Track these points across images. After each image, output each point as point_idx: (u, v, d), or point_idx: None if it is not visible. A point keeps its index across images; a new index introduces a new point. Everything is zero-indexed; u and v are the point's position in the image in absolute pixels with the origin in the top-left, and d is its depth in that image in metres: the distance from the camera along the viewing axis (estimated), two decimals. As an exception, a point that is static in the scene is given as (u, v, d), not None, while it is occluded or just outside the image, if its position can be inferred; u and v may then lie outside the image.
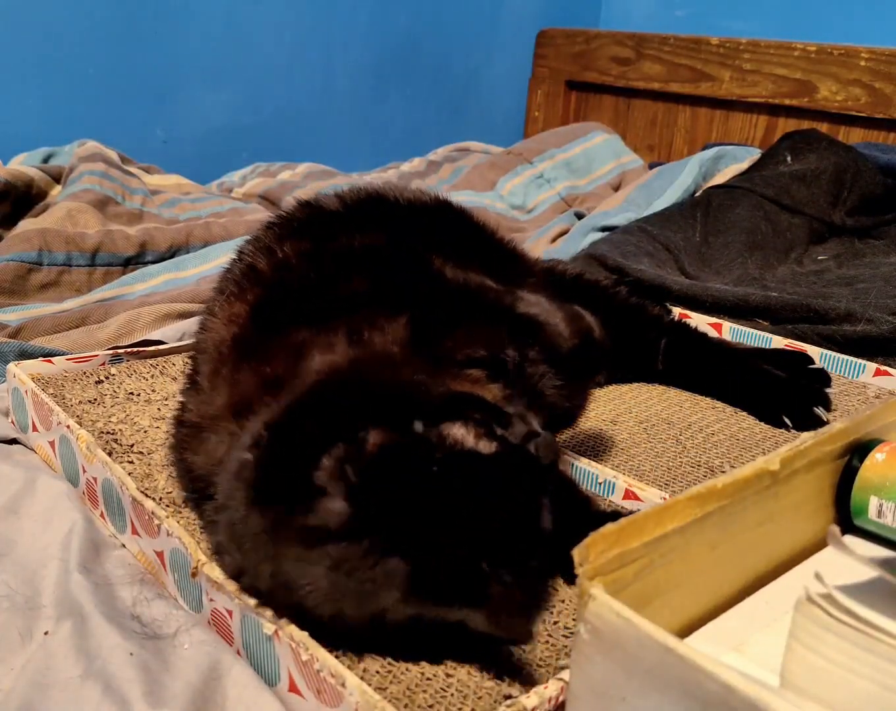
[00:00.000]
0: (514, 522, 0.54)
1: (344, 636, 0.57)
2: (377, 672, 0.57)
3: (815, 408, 0.98)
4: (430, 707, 0.55)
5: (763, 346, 1.21)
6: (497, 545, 0.53)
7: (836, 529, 0.49)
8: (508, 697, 0.56)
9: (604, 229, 1.74)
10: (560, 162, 2.30)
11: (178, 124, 2.11)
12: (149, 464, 0.81)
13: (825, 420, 0.98)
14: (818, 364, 1.13)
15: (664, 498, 0.77)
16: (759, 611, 0.58)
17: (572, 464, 0.85)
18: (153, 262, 1.53)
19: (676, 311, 1.25)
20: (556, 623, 0.64)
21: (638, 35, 2.58)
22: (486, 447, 0.55)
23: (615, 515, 0.70)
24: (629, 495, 0.81)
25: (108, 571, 0.73)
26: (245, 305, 0.73)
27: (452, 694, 0.56)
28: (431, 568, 0.52)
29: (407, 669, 0.58)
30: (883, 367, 1.12)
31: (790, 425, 0.98)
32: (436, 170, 2.38)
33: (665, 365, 1.09)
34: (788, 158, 1.91)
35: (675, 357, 1.09)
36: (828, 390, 1.04)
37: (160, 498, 0.75)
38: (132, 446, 0.85)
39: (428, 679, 0.57)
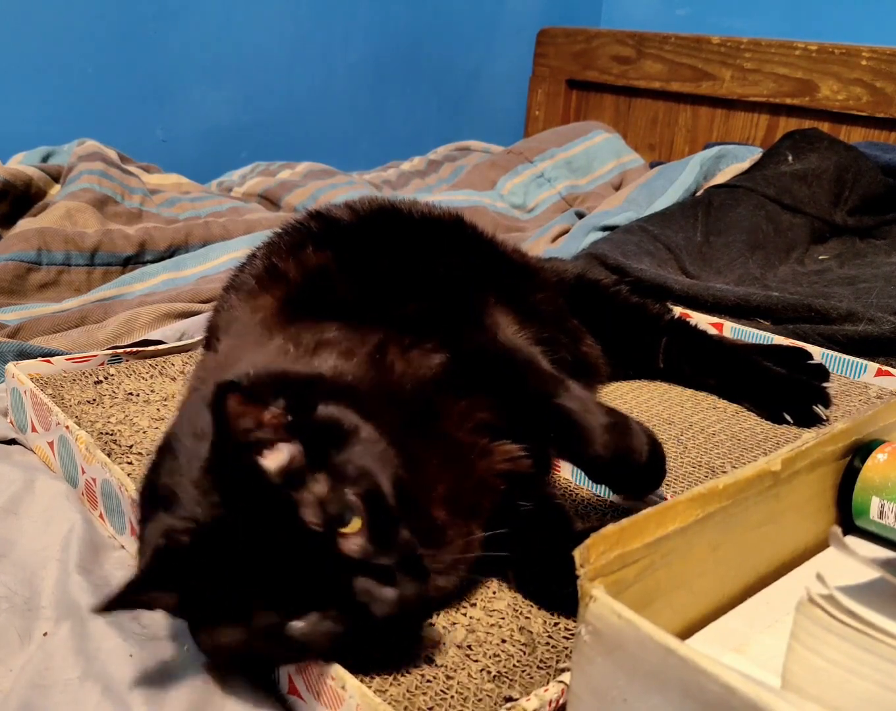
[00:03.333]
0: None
1: None
2: (377, 674, 0.57)
3: (815, 406, 0.99)
4: (430, 709, 0.55)
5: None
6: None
7: (837, 530, 0.49)
8: (509, 699, 0.55)
9: (604, 229, 1.74)
10: (561, 161, 2.29)
11: (178, 123, 2.11)
12: (148, 464, 0.81)
13: (825, 417, 0.98)
14: (816, 360, 1.13)
15: (665, 499, 0.77)
16: (761, 612, 0.58)
17: (572, 468, 0.85)
18: (152, 262, 1.52)
19: (677, 311, 1.24)
20: (556, 624, 0.64)
21: (639, 34, 2.57)
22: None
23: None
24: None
25: (107, 572, 0.73)
26: (272, 298, 0.77)
27: (452, 697, 0.56)
28: None
29: (407, 671, 0.58)
30: (884, 367, 1.12)
31: (791, 421, 0.99)
32: (436, 170, 2.38)
33: (666, 364, 1.10)
34: (790, 158, 1.91)
35: (675, 355, 1.09)
36: (826, 385, 1.05)
37: (159, 499, 0.75)
38: (131, 447, 0.85)
39: (428, 681, 0.57)
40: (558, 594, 0.64)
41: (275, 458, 0.55)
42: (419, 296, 0.80)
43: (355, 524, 0.54)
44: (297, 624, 0.53)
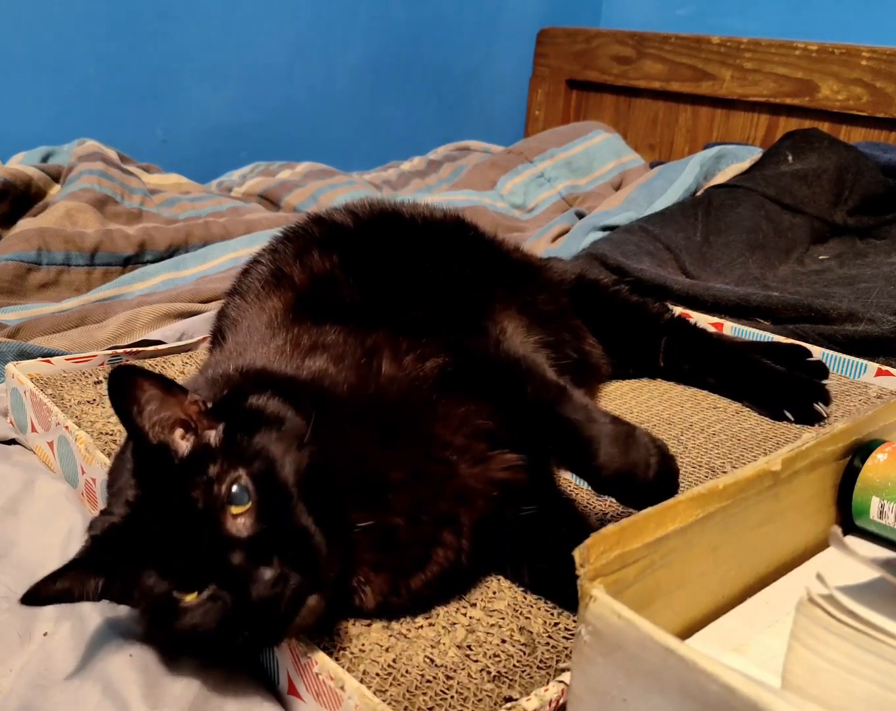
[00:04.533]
0: None
1: None
2: (377, 674, 0.57)
3: (816, 404, 0.99)
4: (430, 709, 0.55)
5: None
6: None
7: (837, 530, 0.49)
8: (509, 700, 0.55)
9: (605, 228, 1.74)
10: (561, 161, 2.29)
11: (178, 123, 2.11)
12: (148, 464, 0.81)
13: (825, 415, 0.99)
14: (815, 358, 1.13)
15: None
16: (761, 612, 0.58)
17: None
18: (152, 262, 1.52)
19: (677, 310, 1.24)
20: (556, 625, 0.63)
21: (639, 34, 2.57)
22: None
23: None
24: (630, 495, 0.81)
25: (107, 571, 0.73)
26: (279, 302, 0.79)
27: (452, 697, 0.56)
28: None
29: (407, 671, 0.58)
30: (884, 367, 1.12)
31: (792, 419, 0.99)
32: (436, 170, 2.38)
33: (666, 362, 1.10)
34: (790, 158, 1.91)
35: (675, 354, 1.09)
36: (826, 382, 1.05)
37: (159, 499, 0.75)
38: (131, 446, 0.85)
39: (428, 681, 0.57)
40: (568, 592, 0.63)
41: (188, 443, 0.58)
42: (423, 299, 0.81)
43: (247, 505, 0.55)
44: (186, 599, 0.55)
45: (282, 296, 0.79)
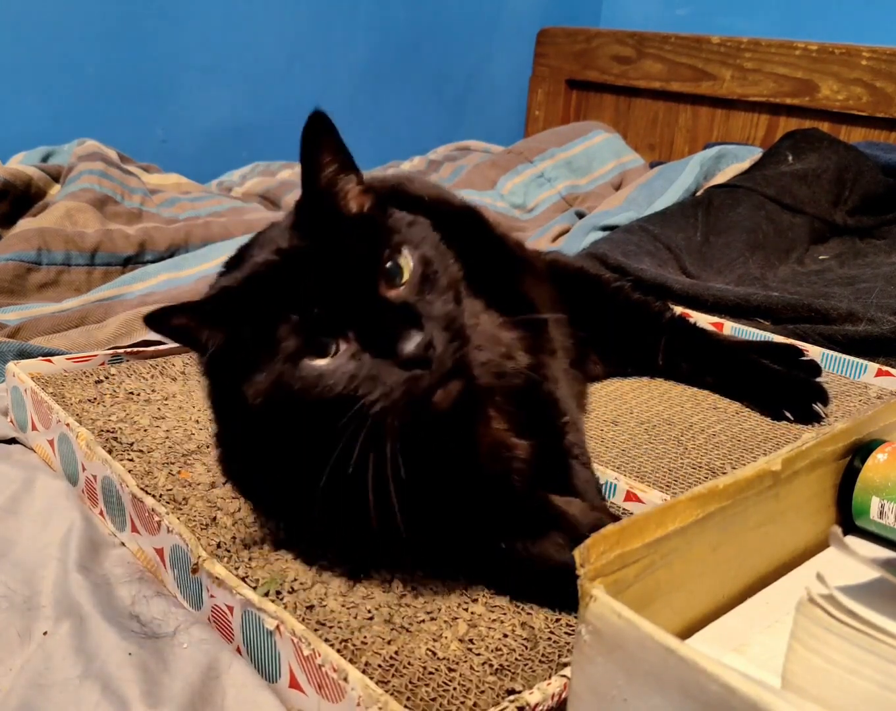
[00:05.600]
0: None
1: None
2: (379, 666, 0.57)
3: (815, 404, 1.00)
4: (433, 700, 0.55)
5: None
6: None
7: (837, 530, 0.49)
8: (511, 692, 0.55)
9: (605, 228, 1.74)
10: (561, 161, 2.29)
11: (178, 123, 2.11)
12: (149, 462, 0.81)
13: (823, 415, 0.99)
14: (809, 357, 1.13)
15: (665, 500, 0.77)
16: (761, 612, 0.58)
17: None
18: (152, 262, 1.52)
19: (678, 310, 1.24)
20: (557, 620, 0.63)
21: (639, 34, 2.57)
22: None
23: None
24: (631, 496, 0.81)
25: (106, 570, 0.73)
26: None
27: (455, 689, 0.56)
28: None
29: (409, 663, 0.58)
30: (884, 368, 1.12)
31: (791, 418, 1.00)
32: (436, 169, 2.38)
33: (665, 361, 1.10)
34: (790, 158, 1.91)
35: (675, 353, 1.09)
36: (819, 380, 1.06)
37: (160, 495, 0.75)
38: (132, 444, 0.85)
39: (430, 673, 0.57)
40: (560, 591, 0.63)
41: (357, 203, 0.59)
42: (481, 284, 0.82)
43: (406, 279, 0.55)
44: (322, 360, 0.54)
45: None
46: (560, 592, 0.62)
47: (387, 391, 0.53)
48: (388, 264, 0.55)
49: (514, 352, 0.71)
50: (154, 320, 0.56)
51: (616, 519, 0.65)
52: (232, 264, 0.64)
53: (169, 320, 0.57)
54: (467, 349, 0.56)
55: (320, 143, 0.57)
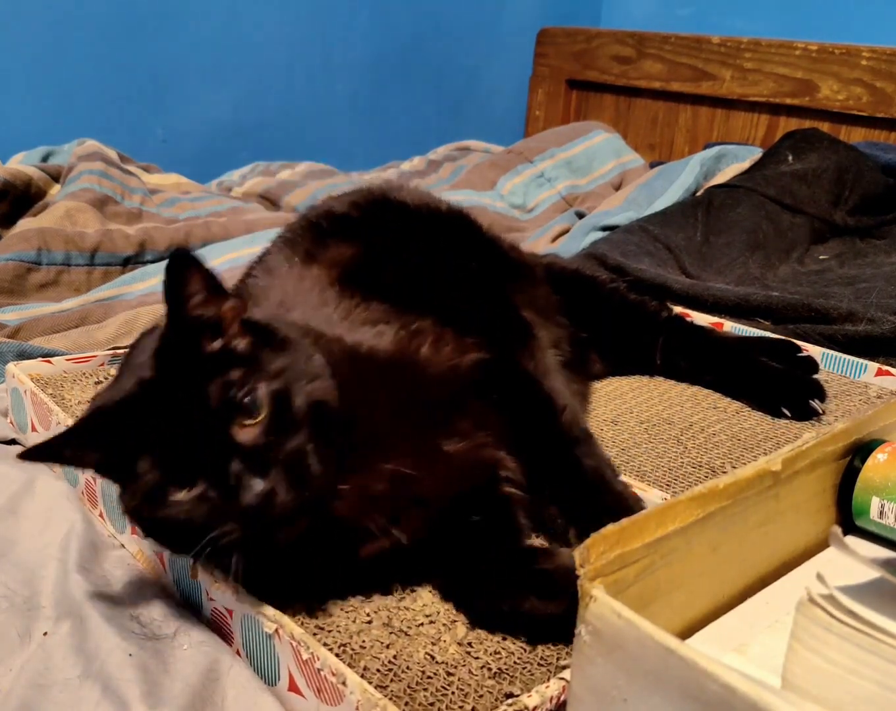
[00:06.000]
0: None
1: None
2: (378, 670, 0.57)
3: (812, 401, 1.00)
4: (431, 705, 0.55)
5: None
6: None
7: (837, 530, 0.49)
8: (510, 696, 0.55)
9: (604, 228, 1.74)
10: (561, 161, 2.29)
11: (178, 123, 2.11)
12: (148, 464, 0.81)
13: (821, 411, 1.00)
14: (806, 353, 1.13)
15: (665, 499, 0.77)
16: (761, 612, 0.58)
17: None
18: (152, 262, 1.52)
19: (677, 310, 1.24)
20: (556, 623, 0.63)
21: (639, 34, 2.57)
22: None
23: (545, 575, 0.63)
24: (630, 495, 0.81)
25: (106, 571, 0.73)
26: (323, 270, 0.81)
27: (453, 692, 0.56)
28: None
29: (408, 667, 0.58)
30: (885, 367, 1.12)
31: (789, 415, 1.00)
32: (436, 170, 2.38)
33: (663, 360, 1.10)
34: (790, 158, 1.90)
35: (673, 352, 1.09)
36: (816, 377, 1.06)
37: (159, 498, 0.75)
38: (131, 446, 0.84)
39: (429, 677, 0.57)
40: (500, 611, 0.62)
41: (218, 343, 0.59)
42: (448, 290, 0.82)
43: (259, 417, 0.56)
44: (178, 493, 0.56)
45: (326, 268, 0.81)
46: (547, 636, 0.62)
47: (232, 529, 0.56)
48: (246, 400, 0.56)
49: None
50: (31, 456, 0.60)
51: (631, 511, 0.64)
52: (124, 360, 0.66)
53: (44, 454, 0.61)
54: (316, 484, 0.57)
55: (185, 277, 0.57)
